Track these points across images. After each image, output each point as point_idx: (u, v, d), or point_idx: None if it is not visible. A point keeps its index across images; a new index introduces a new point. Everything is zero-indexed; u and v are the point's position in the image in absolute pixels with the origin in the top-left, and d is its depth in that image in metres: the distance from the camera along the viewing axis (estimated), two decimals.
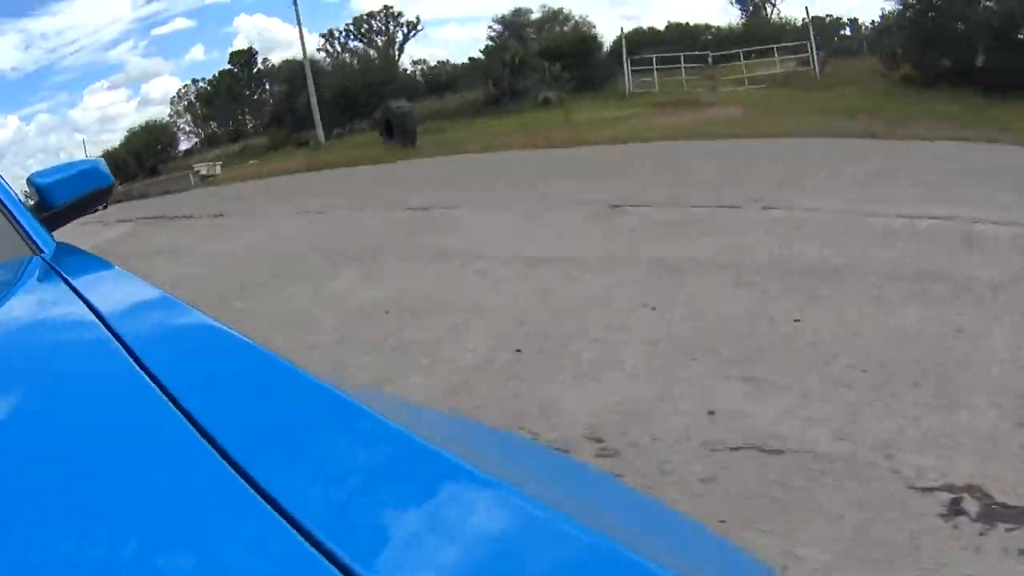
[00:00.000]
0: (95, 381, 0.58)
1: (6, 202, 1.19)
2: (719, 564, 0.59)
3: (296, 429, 0.49)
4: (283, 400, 0.53)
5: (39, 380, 0.60)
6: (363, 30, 21.23)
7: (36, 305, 0.86)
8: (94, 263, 1.01)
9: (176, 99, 21.39)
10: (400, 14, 21.11)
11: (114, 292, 0.86)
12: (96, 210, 1.66)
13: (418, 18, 21.07)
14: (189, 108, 21.52)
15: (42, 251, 1.08)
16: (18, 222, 1.15)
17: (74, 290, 0.79)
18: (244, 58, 21.22)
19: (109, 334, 0.63)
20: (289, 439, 0.47)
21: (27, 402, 0.56)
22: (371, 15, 21.09)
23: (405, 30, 21.32)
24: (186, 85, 21.74)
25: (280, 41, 26.81)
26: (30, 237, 1.12)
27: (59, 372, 0.61)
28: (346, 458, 0.46)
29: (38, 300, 0.88)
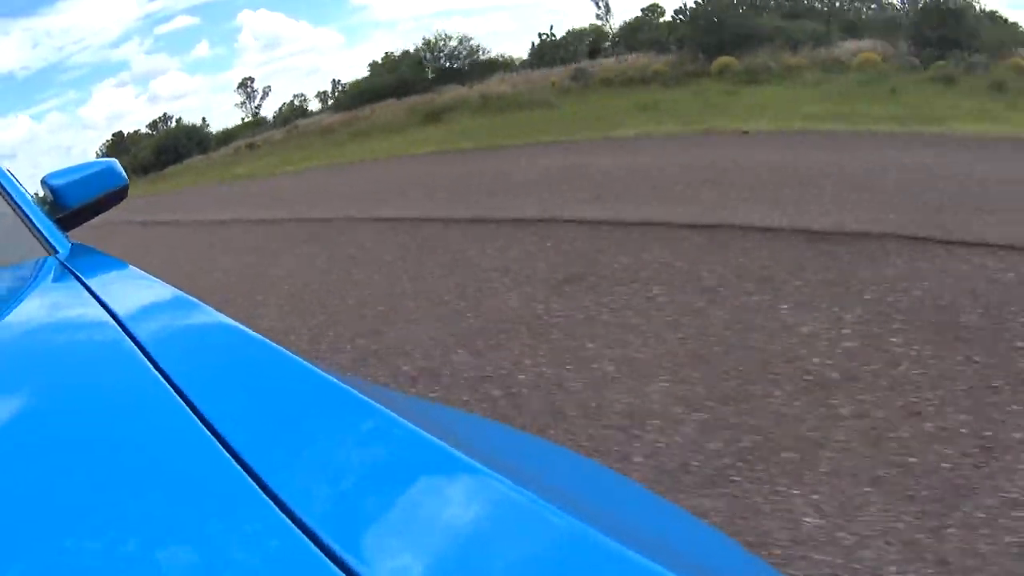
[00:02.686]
0: (109, 381, 0.58)
1: (20, 204, 1.20)
2: (720, 561, 0.59)
3: (314, 431, 0.48)
4: (301, 402, 0.52)
5: (53, 380, 0.59)
6: None
7: (51, 305, 0.86)
8: (109, 263, 1.02)
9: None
10: None
11: (129, 292, 0.86)
12: None
13: None
14: None
15: (57, 251, 1.08)
16: (33, 223, 1.16)
17: (89, 290, 0.79)
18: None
19: (124, 334, 0.63)
20: (305, 442, 0.46)
21: (41, 402, 0.56)
22: None
23: None
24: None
25: (284, 36, 26.88)
26: (45, 238, 1.12)
27: (73, 372, 0.61)
28: (355, 456, 0.46)
29: (53, 300, 0.88)
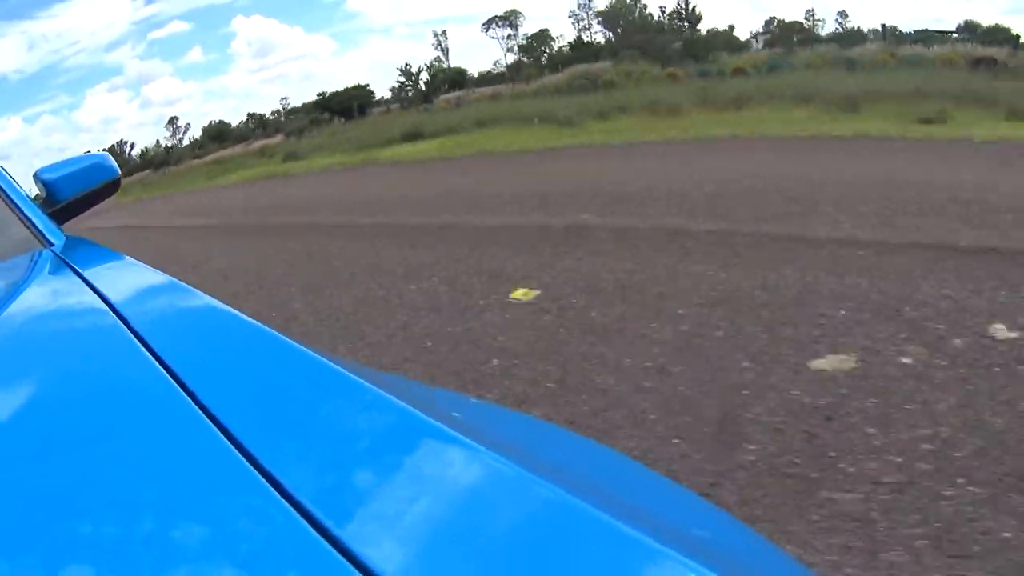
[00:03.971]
0: (108, 369, 0.59)
1: (14, 198, 1.20)
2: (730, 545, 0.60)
3: (311, 415, 0.49)
4: (297, 385, 0.53)
5: (53, 370, 0.60)
6: None
7: (49, 297, 0.86)
8: (104, 254, 1.01)
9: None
10: None
11: (125, 282, 0.86)
12: None
13: None
14: None
15: (52, 244, 1.08)
16: (27, 217, 1.16)
17: (85, 281, 0.79)
18: None
19: (120, 323, 0.63)
20: (301, 425, 0.47)
21: (41, 392, 0.56)
22: None
23: None
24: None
25: (277, 43, 26.54)
26: (39, 231, 1.12)
27: (72, 362, 0.62)
28: (348, 435, 0.47)
29: (50, 292, 0.88)
